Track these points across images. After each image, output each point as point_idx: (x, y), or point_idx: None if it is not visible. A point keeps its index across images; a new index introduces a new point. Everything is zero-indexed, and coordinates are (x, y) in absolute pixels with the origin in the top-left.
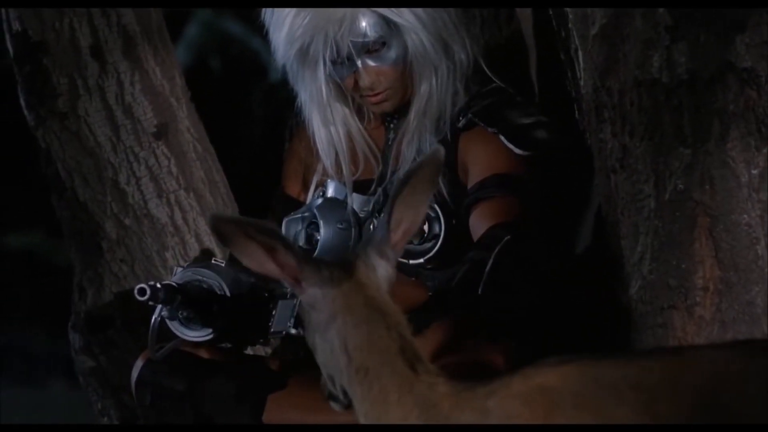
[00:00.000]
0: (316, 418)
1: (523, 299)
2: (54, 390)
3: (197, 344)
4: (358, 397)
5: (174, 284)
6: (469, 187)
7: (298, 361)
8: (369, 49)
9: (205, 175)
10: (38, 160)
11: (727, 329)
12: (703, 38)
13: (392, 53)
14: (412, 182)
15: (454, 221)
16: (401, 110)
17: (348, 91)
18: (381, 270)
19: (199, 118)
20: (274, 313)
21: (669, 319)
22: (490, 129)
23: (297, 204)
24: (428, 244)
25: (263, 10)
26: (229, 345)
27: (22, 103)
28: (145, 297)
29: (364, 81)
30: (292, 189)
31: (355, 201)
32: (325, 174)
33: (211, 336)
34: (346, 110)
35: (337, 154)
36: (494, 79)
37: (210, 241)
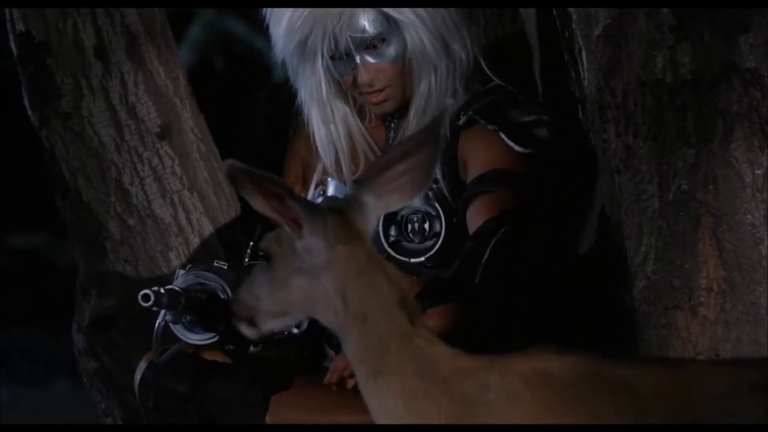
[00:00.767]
0: (319, 419)
1: (518, 291)
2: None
3: (201, 347)
4: (353, 342)
5: (177, 289)
6: (467, 182)
7: (301, 362)
8: (368, 45)
9: (209, 175)
10: (42, 161)
11: (731, 329)
12: (706, 38)
13: (392, 50)
14: (414, 144)
15: (455, 219)
16: (401, 110)
17: (348, 89)
18: (370, 224)
19: (203, 118)
20: None
21: (673, 319)
22: (490, 126)
23: None
24: (429, 243)
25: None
26: (232, 347)
27: (26, 103)
28: (149, 303)
29: (363, 78)
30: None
31: None
32: (325, 173)
33: (214, 339)
34: (347, 109)
35: (337, 153)
36: (494, 78)
37: (214, 242)
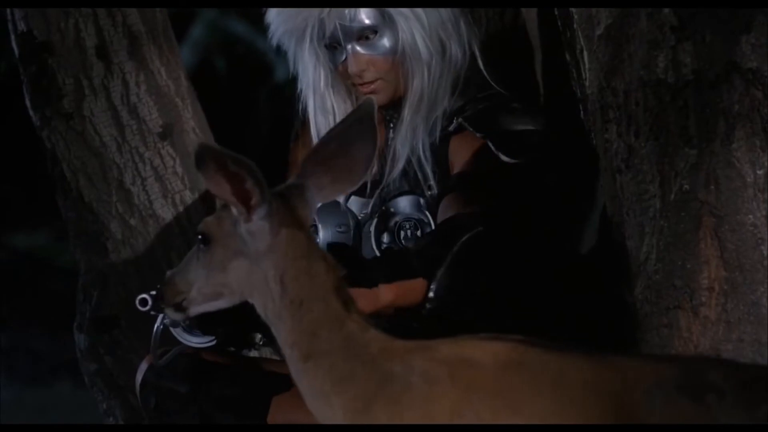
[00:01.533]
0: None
1: (476, 292)
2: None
3: (201, 349)
4: (287, 327)
5: None
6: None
7: None
8: (360, 35)
9: None
10: (43, 161)
11: (733, 329)
12: (708, 39)
13: (384, 42)
14: (352, 137)
15: None
16: (400, 110)
17: (342, 79)
18: (310, 211)
19: (205, 118)
20: None
21: (674, 319)
22: (478, 134)
23: None
24: None
25: None
26: (232, 349)
27: (28, 103)
28: (147, 307)
29: (352, 68)
30: None
31: (354, 204)
32: None
33: (213, 342)
34: (347, 105)
35: None
36: (492, 83)
37: None
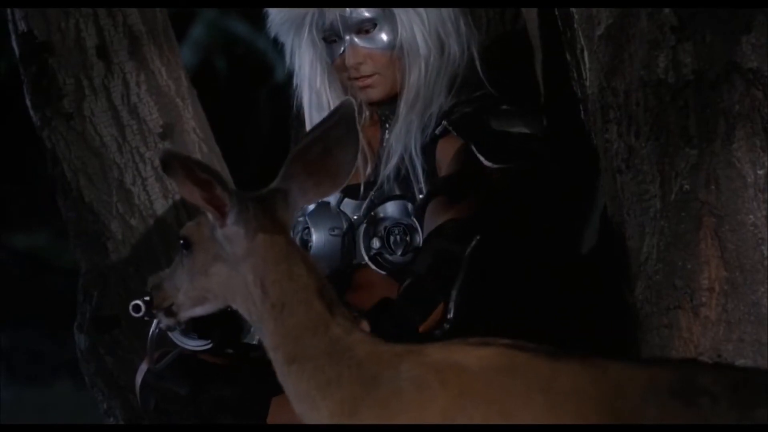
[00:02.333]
0: None
1: (492, 301)
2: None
3: (198, 353)
4: (269, 331)
5: None
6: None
7: None
8: (359, 28)
9: None
10: (44, 161)
11: (733, 329)
12: (708, 39)
13: (383, 37)
14: (335, 140)
15: None
16: (395, 108)
17: (338, 73)
18: (292, 214)
19: (205, 118)
20: None
21: (675, 319)
22: (462, 139)
23: None
24: (410, 256)
25: None
26: (230, 351)
27: (28, 103)
28: (140, 313)
29: (350, 60)
30: None
31: (347, 206)
32: None
33: (210, 345)
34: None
35: None
36: (488, 84)
37: None
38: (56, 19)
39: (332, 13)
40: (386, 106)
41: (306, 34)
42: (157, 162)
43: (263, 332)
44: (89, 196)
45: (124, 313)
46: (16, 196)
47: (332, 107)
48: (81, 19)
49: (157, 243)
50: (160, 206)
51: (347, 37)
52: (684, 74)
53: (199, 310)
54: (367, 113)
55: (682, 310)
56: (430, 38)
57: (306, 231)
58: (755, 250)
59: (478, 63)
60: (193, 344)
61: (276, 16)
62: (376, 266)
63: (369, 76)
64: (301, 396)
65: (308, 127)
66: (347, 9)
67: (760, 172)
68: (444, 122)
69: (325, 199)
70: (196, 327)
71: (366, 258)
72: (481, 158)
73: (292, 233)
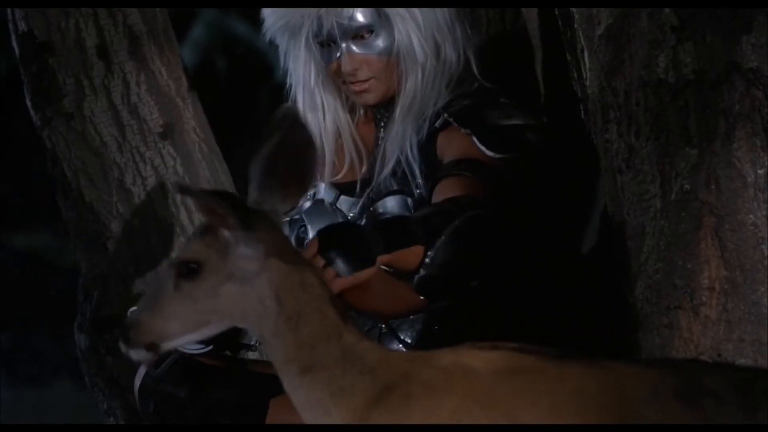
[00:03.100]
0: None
1: (474, 269)
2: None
3: (196, 356)
4: (285, 343)
5: None
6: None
7: None
8: (355, 34)
9: (211, 175)
10: (44, 161)
11: (733, 329)
12: (709, 38)
13: (379, 43)
14: (283, 144)
15: None
16: (389, 107)
17: (333, 76)
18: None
19: (205, 117)
20: None
21: (675, 319)
22: (463, 130)
23: None
24: None
25: None
26: (228, 353)
27: (28, 103)
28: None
29: (347, 67)
30: None
31: (343, 203)
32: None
33: (209, 348)
34: (336, 101)
35: (322, 143)
36: (482, 80)
37: None
38: (56, 19)
39: (329, 20)
40: (382, 107)
41: (301, 39)
42: (157, 162)
43: (275, 346)
44: (89, 195)
45: (125, 313)
46: (16, 196)
47: (326, 107)
48: (81, 19)
49: (157, 243)
50: (160, 206)
51: (344, 44)
52: (684, 74)
53: (194, 337)
54: (362, 112)
55: (682, 309)
56: (427, 43)
57: (302, 229)
58: (755, 250)
59: (474, 66)
60: (191, 348)
61: (272, 23)
62: None
63: (365, 81)
64: (313, 404)
65: None
66: (344, 16)
67: (760, 172)
68: (444, 114)
69: (321, 196)
70: None
71: None
72: (483, 148)
73: (290, 230)
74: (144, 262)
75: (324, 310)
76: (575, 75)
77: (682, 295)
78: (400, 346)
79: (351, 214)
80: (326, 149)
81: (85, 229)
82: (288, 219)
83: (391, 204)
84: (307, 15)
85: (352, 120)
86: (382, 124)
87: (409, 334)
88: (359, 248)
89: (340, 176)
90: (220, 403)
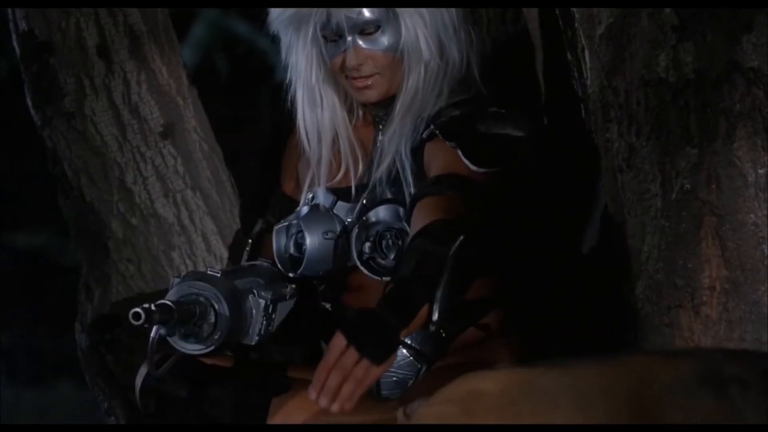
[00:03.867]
0: (320, 420)
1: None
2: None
3: (197, 356)
4: None
5: (168, 303)
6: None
7: (301, 363)
8: (362, 29)
9: (212, 174)
10: (45, 160)
11: (734, 329)
12: (709, 38)
13: (385, 39)
14: None
15: None
16: (388, 107)
17: (335, 72)
18: None
19: (206, 117)
20: (274, 316)
21: (675, 318)
22: (448, 143)
23: (291, 202)
24: None
25: None
26: (229, 353)
27: (29, 102)
28: (140, 321)
29: (351, 61)
30: (287, 186)
31: (340, 209)
32: (312, 183)
33: (210, 348)
34: (336, 99)
35: (320, 141)
36: (481, 87)
37: (216, 242)
38: (57, 19)
39: (338, 14)
40: (381, 107)
41: (308, 31)
42: (157, 161)
43: None
44: (90, 195)
45: (125, 313)
46: (17, 196)
47: (325, 104)
48: (82, 18)
49: (158, 242)
50: (161, 205)
51: (350, 38)
52: (685, 73)
53: None
54: (360, 113)
55: (682, 309)
56: (432, 42)
57: (300, 234)
58: (756, 249)
59: (476, 70)
60: (193, 348)
61: (279, 14)
62: (369, 270)
63: (369, 77)
64: None
65: (299, 124)
66: (354, 10)
67: (761, 172)
68: (431, 126)
69: (318, 201)
70: (196, 333)
71: (358, 262)
72: (467, 162)
73: (288, 236)
74: (145, 262)
75: None
76: (576, 74)
77: (683, 294)
78: (404, 350)
79: (348, 220)
80: (324, 148)
81: (86, 229)
82: (286, 224)
83: (383, 213)
84: (317, 8)
85: (350, 121)
86: (381, 126)
87: (413, 336)
88: (382, 333)
89: (337, 180)
90: (221, 402)
